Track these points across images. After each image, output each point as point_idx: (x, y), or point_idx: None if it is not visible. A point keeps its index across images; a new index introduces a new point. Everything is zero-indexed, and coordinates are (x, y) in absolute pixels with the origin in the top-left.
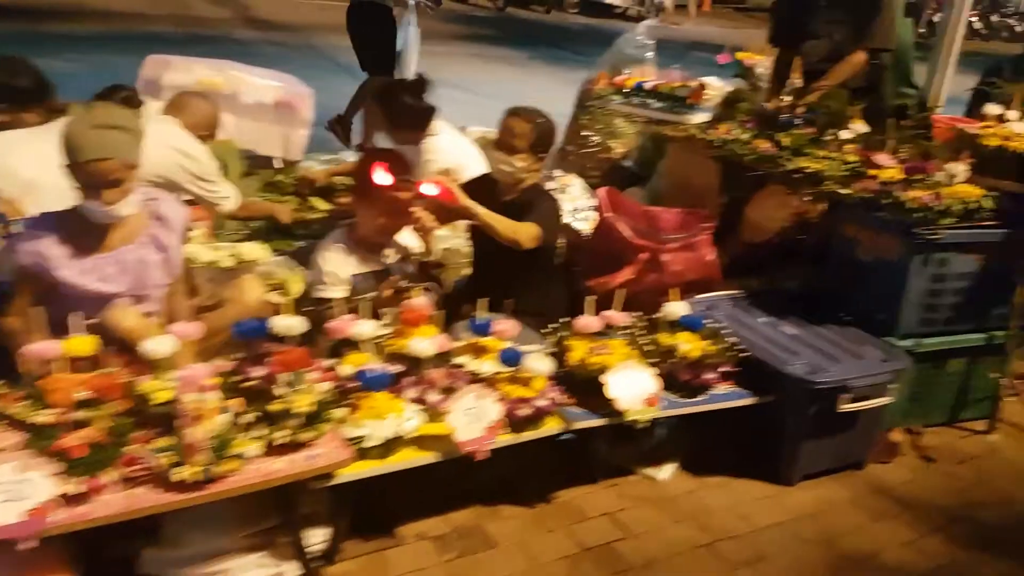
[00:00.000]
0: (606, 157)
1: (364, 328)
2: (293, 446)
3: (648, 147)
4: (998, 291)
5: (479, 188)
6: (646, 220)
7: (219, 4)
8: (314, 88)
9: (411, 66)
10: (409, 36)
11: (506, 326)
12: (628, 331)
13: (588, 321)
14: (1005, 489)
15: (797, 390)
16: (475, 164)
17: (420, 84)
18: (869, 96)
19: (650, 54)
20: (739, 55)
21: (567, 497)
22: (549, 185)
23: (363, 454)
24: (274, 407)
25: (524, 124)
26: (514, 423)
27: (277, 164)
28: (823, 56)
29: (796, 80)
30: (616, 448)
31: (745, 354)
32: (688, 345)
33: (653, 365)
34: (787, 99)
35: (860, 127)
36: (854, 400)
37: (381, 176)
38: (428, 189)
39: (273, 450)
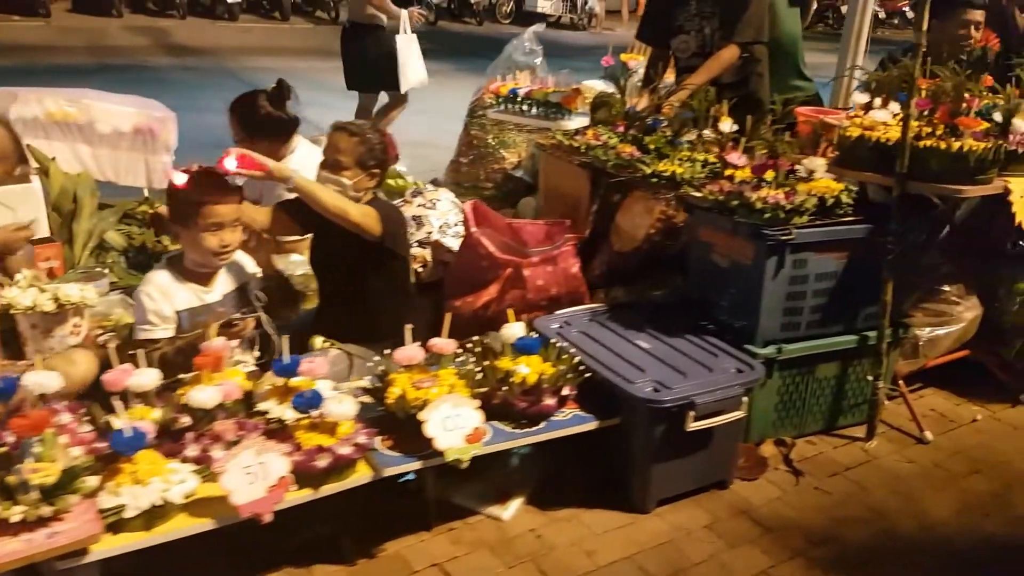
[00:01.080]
0: (499, 167)
1: (143, 379)
2: (37, 522)
3: (537, 156)
4: (866, 289)
5: (310, 208)
6: (511, 234)
7: (137, 32)
8: (219, 111)
9: (410, 81)
10: (411, 51)
11: (314, 364)
12: (464, 358)
13: (409, 352)
14: (878, 501)
15: (640, 410)
16: None
17: (281, 91)
18: (742, 91)
19: (539, 59)
20: (623, 56)
21: (395, 549)
22: (416, 200)
23: (121, 526)
24: (10, 479)
25: (348, 139)
26: (312, 476)
27: (147, 194)
28: (693, 51)
29: (670, 78)
30: (455, 487)
31: (588, 375)
32: (527, 369)
33: (485, 395)
34: (654, 99)
35: (728, 125)
36: (702, 417)
37: (178, 177)
38: (228, 163)
39: (9, 528)
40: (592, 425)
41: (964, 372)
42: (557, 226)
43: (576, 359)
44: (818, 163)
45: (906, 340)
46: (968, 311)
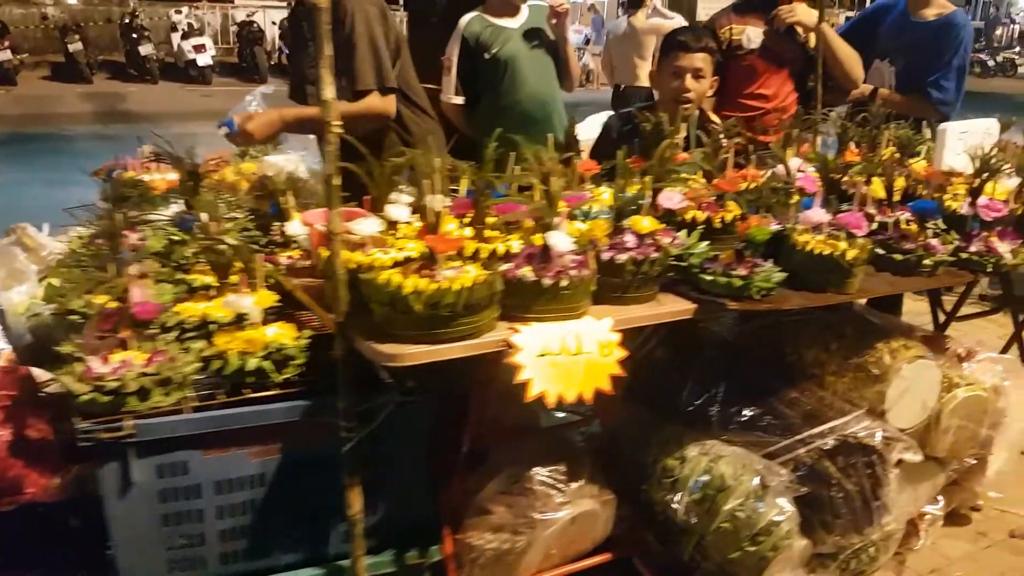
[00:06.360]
0: None
1: None
2: None
3: None
4: (333, 496)
5: None
6: None
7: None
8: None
9: None
10: None
11: None
12: None
13: None
14: None
15: None
16: None
17: None
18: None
19: None
20: None
21: None
22: None
23: None
24: None
25: None
26: None
27: None
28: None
29: None
30: None
31: None
32: None
33: None
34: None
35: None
36: None
37: None
38: None
39: None
40: None
41: None
42: (9, 374)
43: None
44: (244, 304)
45: (425, 565)
46: (569, 506)
